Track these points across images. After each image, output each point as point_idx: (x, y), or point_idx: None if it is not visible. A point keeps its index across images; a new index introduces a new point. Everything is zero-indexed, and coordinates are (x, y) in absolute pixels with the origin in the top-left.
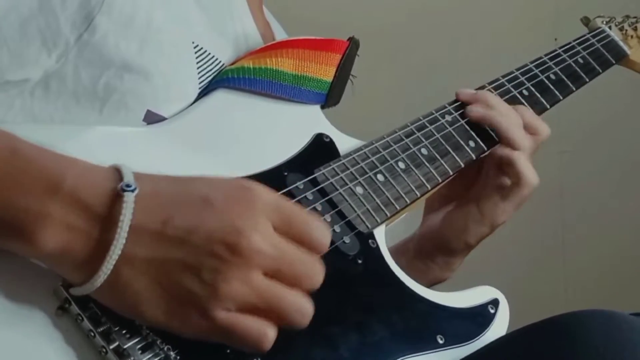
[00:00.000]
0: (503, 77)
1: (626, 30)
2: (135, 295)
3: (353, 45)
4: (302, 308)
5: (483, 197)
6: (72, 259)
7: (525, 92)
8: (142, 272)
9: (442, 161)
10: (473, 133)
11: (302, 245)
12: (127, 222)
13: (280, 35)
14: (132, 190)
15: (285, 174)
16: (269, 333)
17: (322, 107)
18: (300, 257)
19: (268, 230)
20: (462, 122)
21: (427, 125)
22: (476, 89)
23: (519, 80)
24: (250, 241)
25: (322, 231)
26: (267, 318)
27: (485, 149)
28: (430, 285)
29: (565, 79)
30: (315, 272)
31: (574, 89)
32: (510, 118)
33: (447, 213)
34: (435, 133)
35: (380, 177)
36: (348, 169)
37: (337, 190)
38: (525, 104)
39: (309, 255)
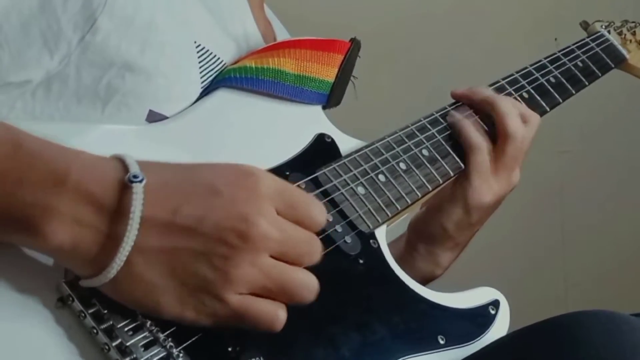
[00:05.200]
0: (503, 79)
1: (625, 34)
2: (149, 285)
3: (355, 46)
4: (309, 284)
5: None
6: (81, 252)
7: (526, 95)
8: (154, 262)
9: (443, 162)
10: None
11: (301, 224)
12: (138, 213)
13: (282, 34)
14: (140, 181)
15: (287, 173)
16: (280, 313)
17: (324, 108)
18: (302, 237)
19: (272, 214)
20: None
21: (428, 126)
22: None
23: (519, 83)
24: (258, 227)
25: (319, 210)
26: (277, 298)
27: None
28: (422, 282)
29: (565, 82)
30: (315, 249)
31: (574, 92)
32: (508, 106)
33: (430, 202)
34: (436, 134)
35: (381, 177)
36: (349, 169)
37: (339, 190)
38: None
39: (308, 234)
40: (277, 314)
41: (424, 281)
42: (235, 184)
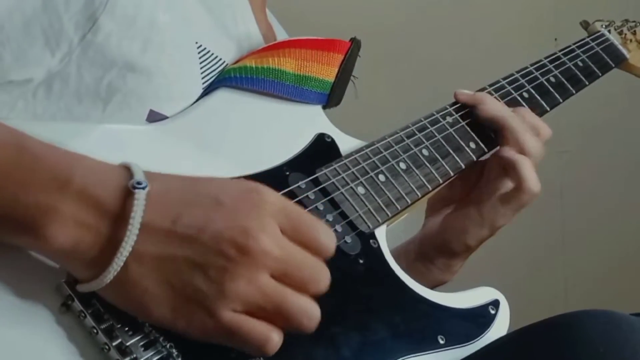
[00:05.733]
0: (504, 79)
1: (625, 34)
2: (143, 292)
3: (355, 45)
4: (309, 311)
5: (483, 199)
6: (81, 255)
7: (526, 95)
8: (150, 269)
9: (443, 162)
10: (474, 134)
11: (308, 249)
12: (139, 219)
13: (282, 37)
14: (144, 188)
15: (287, 173)
16: (273, 337)
17: (324, 107)
18: (307, 261)
19: (275, 232)
20: (463, 123)
21: (428, 126)
22: (477, 91)
23: (519, 82)
24: (258, 242)
25: (328, 235)
26: (273, 321)
27: (486, 150)
28: (431, 287)
29: (565, 82)
30: (322, 277)
31: (574, 92)
32: (521, 125)
33: (448, 215)
34: (436, 134)
35: (381, 177)
36: (349, 168)
37: (339, 190)
38: (526, 106)
39: (315, 259)
40: (268, 337)
41: (434, 287)
42: (239, 199)
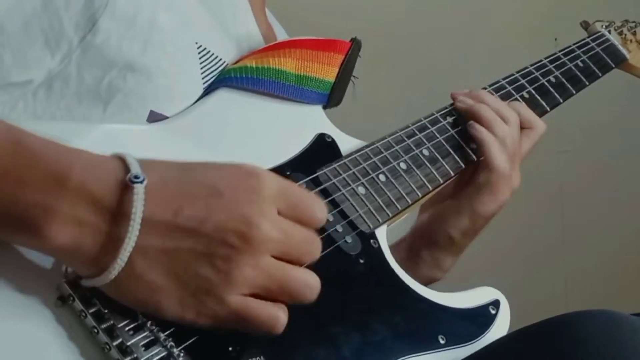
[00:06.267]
0: (504, 79)
1: (625, 34)
2: (150, 285)
3: (355, 46)
4: (311, 282)
5: (460, 188)
6: (83, 253)
7: (526, 95)
8: (155, 262)
9: (444, 162)
10: None
11: (303, 223)
12: (140, 214)
13: (282, 37)
14: (142, 182)
15: (288, 173)
16: (280, 315)
17: (324, 108)
18: (303, 237)
19: (274, 215)
20: (464, 124)
21: (429, 126)
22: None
23: (519, 82)
24: (260, 229)
25: (321, 210)
26: (278, 299)
27: None
28: (423, 284)
29: (566, 82)
30: (315, 248)
31: (574, 92)
32: (497, 111)
33: (433, 208)
34: (437, 134)
35: (382, 177)
36: (350, 169)
37: (339, 190)
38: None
39: (309, 233)
40: (277, 316)
41: (426, 285)
42: (237, 185)
